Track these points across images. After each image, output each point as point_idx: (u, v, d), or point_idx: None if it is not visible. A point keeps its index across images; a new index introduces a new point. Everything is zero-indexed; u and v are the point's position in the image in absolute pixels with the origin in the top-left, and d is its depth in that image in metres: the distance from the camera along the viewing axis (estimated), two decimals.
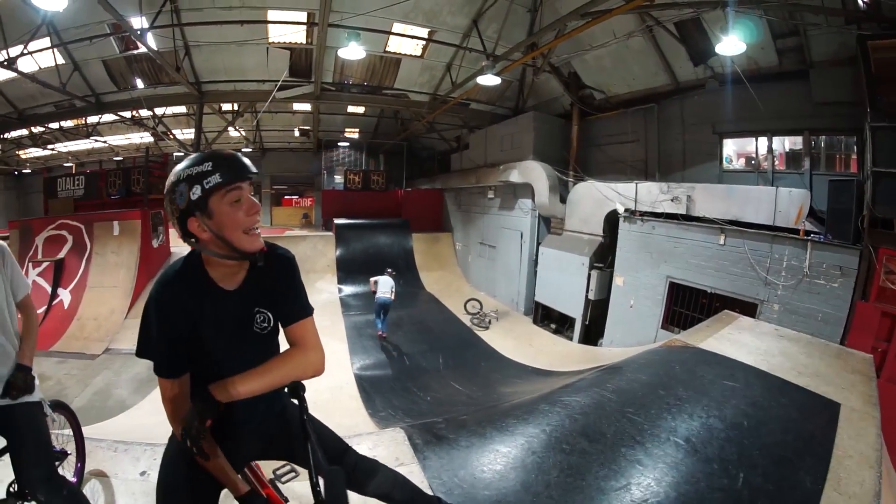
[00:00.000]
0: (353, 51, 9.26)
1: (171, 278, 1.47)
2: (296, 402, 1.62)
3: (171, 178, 1.42)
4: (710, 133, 9.79)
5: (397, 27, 11.16)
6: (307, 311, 1.65)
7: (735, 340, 5.54)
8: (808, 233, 7.11)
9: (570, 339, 10.79)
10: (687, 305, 8.52)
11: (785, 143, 9.02)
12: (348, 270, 15.26)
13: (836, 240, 6.82)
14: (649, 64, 10.27)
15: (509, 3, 9.78)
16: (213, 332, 1.51)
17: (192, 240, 1.45)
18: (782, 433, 3.57)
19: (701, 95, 9.91)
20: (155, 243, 12.14)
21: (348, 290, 14.58)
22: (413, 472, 2.87)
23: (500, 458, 3.12)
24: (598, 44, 10.32)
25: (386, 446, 3.18)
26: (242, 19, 9.92)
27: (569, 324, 11.11)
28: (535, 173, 12.16)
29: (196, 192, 1.37)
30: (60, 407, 2.88)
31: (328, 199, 19.35)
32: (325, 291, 14.29)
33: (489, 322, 12.21)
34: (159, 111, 14.18)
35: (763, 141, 9.20)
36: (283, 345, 1.65)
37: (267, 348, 1.64)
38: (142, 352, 1.47)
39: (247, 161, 1.46)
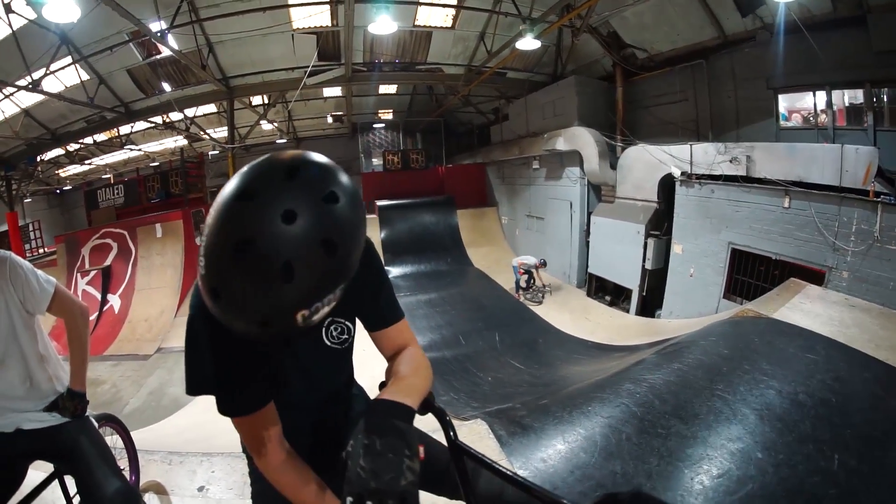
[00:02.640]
0: (383, 24, 9.00)
1: None
2: (434, 418, 1.17)
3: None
4: (763, 88, 9.22)
5: None
6: (402, 310, 1.35)
7: (807, 310, 5.39)
8: (877, 194, 6.59)
9: (627, 311, 10.55)
10: (750, 273, 8.19)
11: (844, 97, 8.33)
12: (395, 252, 15.36)
13: None
14: (694, 17, 9.69)
15: None
16: (278, 351, 1.19)
17: None
18: (870, 411, 3.51)
19: (752, 48, 9.28)
20: (198, 241, 12.52)
21: (396, 271, 14.71)
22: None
23: (594, 446, 3.05)
24: None
25: (469, 441, 2.89)
26: (263, 6, 9.82)
27: (624, 295, 10.87)
28: (582, 139, 11.79)
29: None
30: (110, 420, 2.69)
31: (368, 182, 19.41)
32: None
33: (542, 297, 12.13)
34: (190, 112, 14.28)
35: (821, 95, 8.56)
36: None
37: (344, 367, 1.39)
38: (195, 387, 1.13)
39: None
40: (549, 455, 3.02)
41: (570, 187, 12.88)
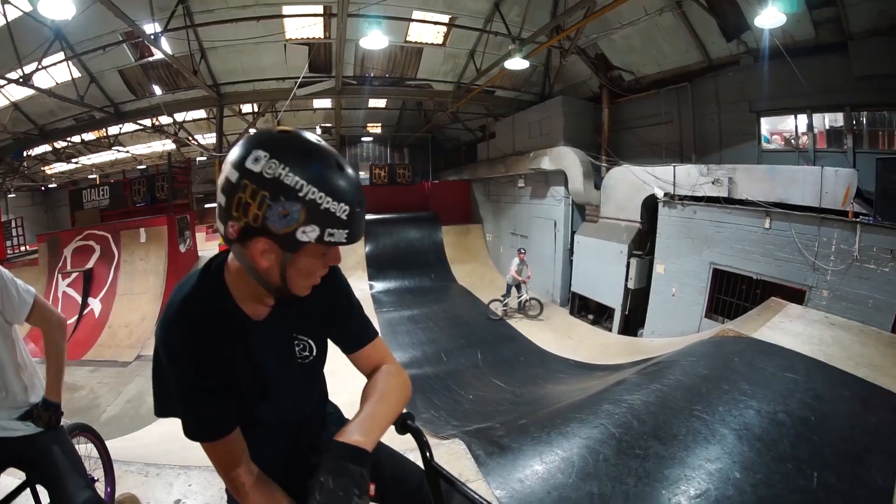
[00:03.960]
0: (375, 39, 9.08)
1: (185, 308, 1.10)
2: (409, 436, 1.28)
3: (279, 175, 0.95)
4: (746, 111, 9.41)
5: (417, 14, 11.04)
6: (374, 329, 1.40)
7: (787, 329, 5.43)
8: (856, 214, 6.77)
9: (610, 330, 10.59)
10: (731, 293, 8.28)
11: (825, 121, 8.56)
12: (379, 266, 15.28)
13: (887, 221, 6.45)
14: (680, 41, 9.92)
15: None
16: (245, 372, 1.16)
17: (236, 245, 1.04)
18: (849, 428, 3.51)
19: (735, 72, 9.50)
20: (182, 248, 12.38)
21: (379, 286, 14.61)
22: (480, 490, 2.75)
23: (571, 467, 3.02)
24: (627, 22, 10.01)
25: (446, 461, 2.98)
26: (258, 15, 9.87)
27: (607, 314, 10.91)
28: (567, 160, 11.90)
29: (309, 233, 0.97)
30: (83, 430, 2.65)
31: None
32: (356, 289, 13.99)
33: (533, 310, 11.99)
34: (179, 117, 14.24)
35: (802, 119, 8.77)
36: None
37: (316, 386, 1.40)
38: (163, 410, 1.16)
39: None
40: (526, 476, 2.98)
41: (555, 206, 12.98)
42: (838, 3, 7.56)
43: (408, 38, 11.91)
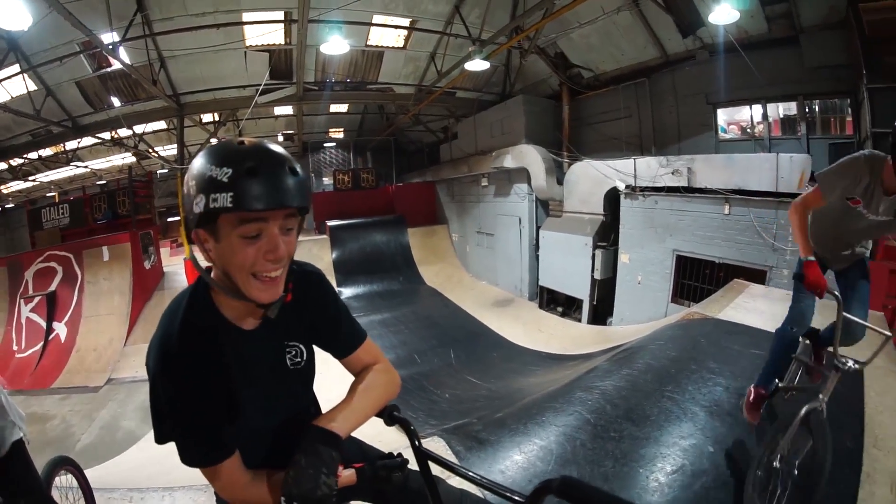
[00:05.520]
0: (336, 45, 9.01)
1: (176, 327, 1.10)
2: (398, 428, 1.34)
3: (191, 165, 1.05)
4: (703, 104, 9.77)
5: (377, 19, 10.99)
6: (363, 332, 1.43)
7: (751, 308, 5.60)
8: None
9: (579, 320, 10.76)
10: (695, 277, 8.54)
11: (779, 110, 9.00)
12: (347, 272, 15.08)
13: None
14: (637, 38, 10.19)
15: None
16: (241, 386, 1.17)
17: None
18: None
19: (692, 67, 9.86)
20: (147, 264, 11.90)
21: (348, 291, 14.41)
22: (462, 483, 2.73)
23: (549, 454, 3.04)
24: (585, 21, 10.16)
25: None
26: (218, 23, 9.64)
27: (576, 306, 11.10)
28: (529, 157, 12.07)
29: (199, 204, 0.98)
30: (67, 463, 2.67)
31: (319, 202, 19.02)
32: None
33: None
34: (139, 129, 13.79)
35: (757, 108, 9.20)
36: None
37: (305, 391, 1.41)
38: (163, 438, 1.13)
39: (292, 180, 1.03)
40: (506, 466, 2.99)
41: (519, 203, 13.10)
42: (790, 0, 7.91)
43: (368, 43, 11.85)
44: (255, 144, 1.04)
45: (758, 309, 5.50)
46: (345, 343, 1.39)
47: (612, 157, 10.28)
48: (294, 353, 1.29)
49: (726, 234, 7.98)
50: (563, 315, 11.40)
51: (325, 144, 21.83)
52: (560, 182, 11.56)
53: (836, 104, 8.30)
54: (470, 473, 1.16)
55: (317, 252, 15.37)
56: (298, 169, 1.06)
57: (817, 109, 8.53)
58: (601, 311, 10.52)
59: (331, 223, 16.53)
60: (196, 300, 1.15)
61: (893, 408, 3.42)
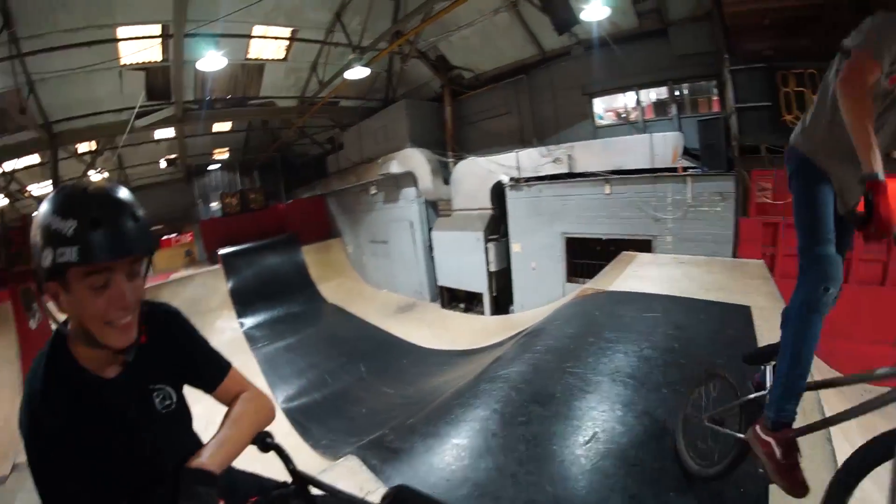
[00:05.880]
0: (212, 60, 8.48)
1: (36, 386, 1.08)
2: (271, 453, 1.31)
3: (37, 213, 1.03)
4: (579, 95, 10.31)
5: (258, 30, 10.46)
6: (226, 362, 1.42)
7: (641, 276, 5.90)
8: (686, 169, 7.86)
9: (482, 313, 11.00)
10: (587, 256, 8.98)
11: (651, 95, 9.78)
12: (245, 302, 14.13)
13: (712, 170, 7.64)
14: (516, 38, 10.57)
15: None
16: (112, 436, 1.13)
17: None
18: (712, 343, 3.86)
19: (567, 62, 10.39)
20: (33, 324, 10.02)
21: (250, 321, 13.53)
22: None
23: (463, 451, 2.96)
24: (465, 24, 10.40)
25: (346, 479, 2.91)
26: (91, 40, 8.67)
27: (477, 300, 11.34)
28: (414, 160, 12.12)
29: (47, 258, 0.99)
30: None
31: (208, 230, 17.73)
32: (226, 330, 13.07)
33: None
34: (8, 166, 12.01)
35: (631, 95, 9.90)
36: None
37: (185, 437, 1.37)
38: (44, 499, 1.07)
39: (134, 226, 1.05)
40: (424, 471, 2.88)
41: (408, 207, 13.10)
42: None
43: (248, 56, 11.23)
44: (98, 191, 1.04)
45: (648, 276, 5.83)
46: (209, 377, 1.38)
47: (497, 152, 10.59)
48: (162, 396, 1.27)
49: (610, 212, 8.50)
50: (466, 311, 11.61)
51: (210, 167, 20.34)
52: (447, 182, 11.74)
53: (703, 86, 9.20)
54: (336, 489, 1.26)
55: (212, 284, 14.26)
56: (140, 213, 1.08)
57: (686, 92, 9.37)
58: (502, 301, 10.82)
59: (222, 251, 15.38)
60: (55, 355, 1.13)
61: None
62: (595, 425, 2.90)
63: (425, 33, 10.47)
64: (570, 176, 9.03)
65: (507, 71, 11.47)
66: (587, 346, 4.02)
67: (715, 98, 8.95)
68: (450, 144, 12.17)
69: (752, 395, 1.99)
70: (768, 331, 3.83)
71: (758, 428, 1.83)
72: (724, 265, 6.06)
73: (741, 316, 4.29)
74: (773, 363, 1.94)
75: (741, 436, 1.93)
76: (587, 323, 4.62)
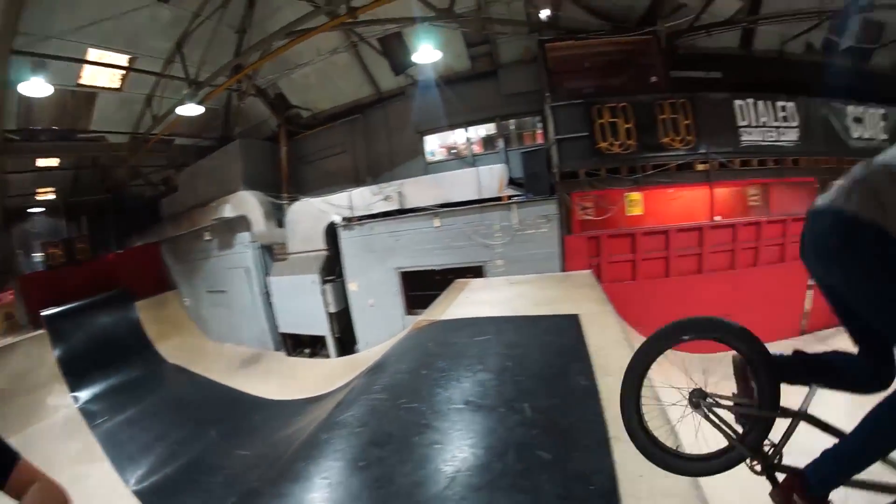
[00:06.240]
0: (37, 86, 7.49)
1: None
2: None
3: None
4: (412, 133, 10.95)
5: (93, 53, 9.39)
6: (14, 453, 1.35)
7: (474, 301, 6.25)
8: (510, 197, 8.78)
9: (328, 356, 10.93)
10: (427, 287, 9.32)
11: (480, 131, 10.74)
12: (78, 372, 12.08)
13: (536, 196, 8.67)
14: (354, 77, 10.94)
15: (216, 24, 9.22)
16: None
17: None
18: (544, 355, 4.17)
19: (402, 101, 10.98)
20: None
21: (85, 394, 11.62)
22: None
23: None
24: (305, 62, 10.51)
25: None
26: None
27: (321, 343, 11.25)
28: (248, 204, 11.76)
29: None
30: None
31: (29, 287, 14.69)
32: (59, 408, 11.01)
33: None
34: None
35: (461, 132, 10.80)
36: None
37: None
38: None
39: None
40: None
41: (244, 253, 12.60)
42: (492, 42, 9.86)
43: (80, 82, 9.95)
44: None
45: (480, 300, 6.21)
46: None
47: (334, 192, 10.69)
48: None
49: (441, 244, 9.12)
50: (312, 356, 11.44)
51: (32, 209, 17.04)
52: (281, 224, 11.59)
53: (528, 121, 10.46)
54: None
55: (37, 353, 11.92)
56: None
57: (513, 127, 10.56)
58: (346, 342, 10.87)
59: (45, 312, 13.10)
60: None
61: (611, 339, 4.29)
62: (437, 457, 2.99)
63: (265, 70, 10.35)
64: (401, 212, 9.49)
65: (343, 110, 11.75)
66: (421, 378, 4.13)
67: (539, 131, 10.15)
68: (285, 185, 12.03)
69: (776, 415, 1.73)
70: (596, 334, 4.36)
71: (795, 497, 1.58)
72: (553, 280, 6.75)
73: (571, 324, 4.72)
74: (820, 386, 1.70)
75: (738, 445, 1.75)
76: (421, 355, 4.73)
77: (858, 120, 10.40)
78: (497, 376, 3.84)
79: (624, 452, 2.63)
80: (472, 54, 10.25)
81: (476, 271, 8.65)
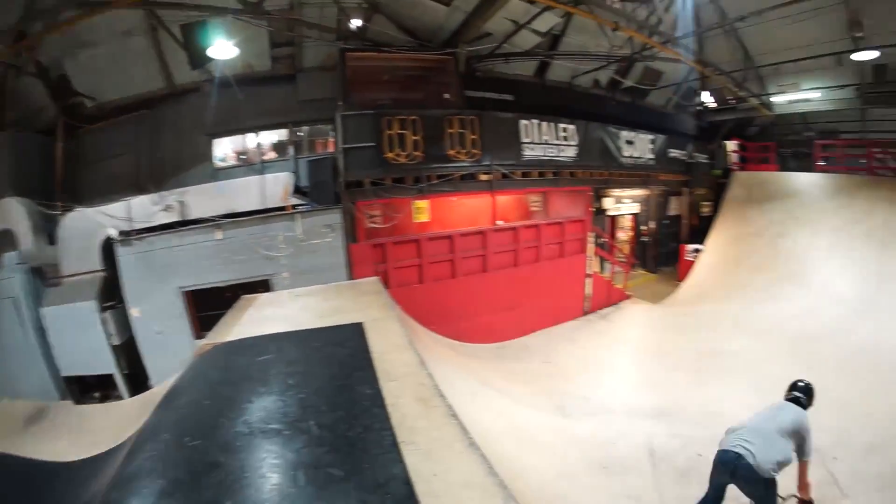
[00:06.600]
0: None
1: None
2: None
3: None
4: (202, 135, 10.22)
5: None
6: None
7: (260, 318, 5.88)
8: (294, 206, 8.65)
9: (121, 397, 9.32)
10: (218, 306, 8.14)
11: (273, 137, 10.46)
12: None
13: (321, 205, 8.69)
14: (148, 66, 9.87)
15: None
16: None
17: None
18: (328, 368, 4.12)
19: (195, 99, 10.17)
20: None
21: None
22: None
23: None
24: (96, 41, 9.19)
25: None
26: None
27: (112, 384, 9.56)
28: (14, 214, 9.46)
29: None
30: None
31: None
32: None
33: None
34: None
35: (253, 137, 10.42)
36: None
37: None
38: None
39: None
40: None
41: (11, 279, 9.52)
42: (297, 44, 9.66)
43: None
44: None
45: (266, 316, 5.91)
46: None
47: (115, 200, 9.29)
48: None
49: (224, 258, 8.61)
50: (104, 400, 9.50)
51: None
52: (53, 241, 9.57)
53: (323, 129, 10.42)
54: None
55: None
56: None
57: (306, 134, 10.48)
58: (140, 378, 9.37)
59: None
60: None
61: (392, 343, 4.45)
62: (222, 496, 2.73)
63: (50, 45, 8.86)
64: (182, 224, 8.72)
65: (132, 103, 10.42)
66: (202, 410, 3.78)
67: (331, 140, 10.32)
68: (57, 192, 10.07)
69: None
70: (379, 340, 4.46)
71: None
72: (339, 289, 6.72)
73: (355, 332, 4.71)
74: None
75: None
76: (202, 385, 4.34)
77: (630, 142, 12.88)
78: (281, 397, 3.69)
79: (414, 454, 2.73)
80: (274, 55, 10.00)
81: (264, 285, 8.34)
